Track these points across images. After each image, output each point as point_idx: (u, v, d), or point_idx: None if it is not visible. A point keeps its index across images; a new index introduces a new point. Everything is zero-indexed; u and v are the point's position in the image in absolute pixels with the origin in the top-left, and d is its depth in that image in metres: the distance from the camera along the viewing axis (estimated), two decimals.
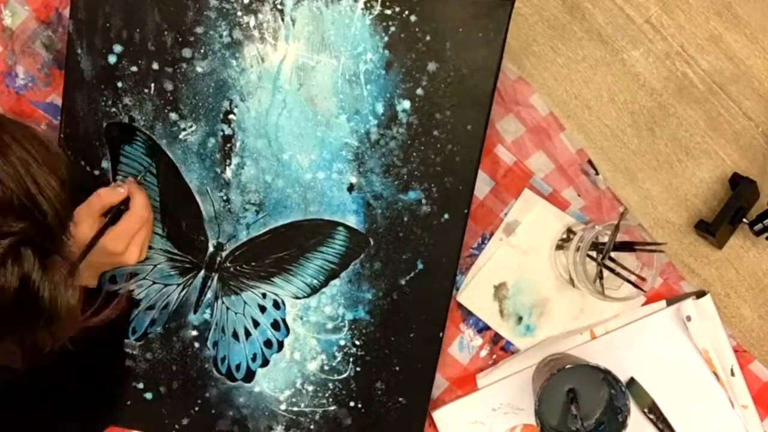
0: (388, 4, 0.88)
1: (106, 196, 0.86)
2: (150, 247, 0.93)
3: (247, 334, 0.97)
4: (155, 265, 0.96)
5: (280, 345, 0.97)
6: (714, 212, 0.97)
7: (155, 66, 0.92)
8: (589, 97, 0.98)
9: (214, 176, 0.93)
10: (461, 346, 0.99)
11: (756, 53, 0.97)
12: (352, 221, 0.93)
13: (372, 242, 0.93)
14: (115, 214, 0.86)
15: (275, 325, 0.96)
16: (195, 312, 0.97)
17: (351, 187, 0.92)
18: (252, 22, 0.90)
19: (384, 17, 0.89)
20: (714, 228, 0.95)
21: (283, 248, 0.95)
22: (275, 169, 0.93)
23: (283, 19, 0.90)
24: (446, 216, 0.92)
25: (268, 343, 0.97)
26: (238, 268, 0.95)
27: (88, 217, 0.85)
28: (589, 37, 0.97)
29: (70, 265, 0.66)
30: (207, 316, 0.97)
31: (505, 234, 0.98)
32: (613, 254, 0.93)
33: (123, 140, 0.93)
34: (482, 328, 0.99)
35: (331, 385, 0.97)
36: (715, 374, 0.98)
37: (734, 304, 1.00)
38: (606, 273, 0.93)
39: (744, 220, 0.96)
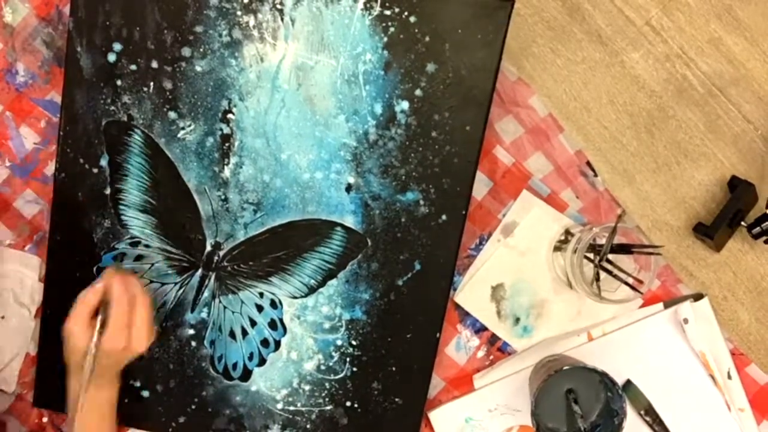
0: (387, 4, 0.88)
1: (88, 298, 0.84)
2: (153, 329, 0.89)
3: (244, 333, 0.97)
4: (153, 264, 0.96)
5: (277, 344, 0.97)
6: (712, 215, 0.97)
7: (154, 65, 0.92)
8: (589, 99, 0.98)
9: (213, 175, 0.93)
10: (458, 347, 1.00)
11: (756, 56, 0.97)
12: (350, 221, 0.93)
13: (370, 243, 0.94)
14: (103, 314, 0.85)
15: (272, 324, 0.96)
16: (192, 311, 0.97)
17: (349, 188, 0.93)
18: (251, 22, 0.90)
19: (383, 18, 0.89)
20: (712, 231, 0.95)
21: (280, 248, 0.95)
22: (273, 169, 0.93)
23: (282, 19, 0.90)
24: (444, 217, 0.92)
25: (265, 343, 0.97)
26: (235, 267, 0.96)
27: (79, 326, 0.84)
28: (588, 39, 0.97)
29: None
30: (204, 314, 0.97)
31: (503, 235, 0.98)
32: (610, 256, 0.93)
33: (122, 139, 0.93)
34: (479, 329, 0.99)
35: (327, 385, 0.97)
36: (712, 377, 0.98)
37: (731, 307, 1.00)
38: (603, 275, 0.93)
39: (742, 223, 0.96)
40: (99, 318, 0.84)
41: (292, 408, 0.98)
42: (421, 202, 0.92)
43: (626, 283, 0.92)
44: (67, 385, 0.89)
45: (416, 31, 0.89)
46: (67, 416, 0.89)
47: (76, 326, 0.84)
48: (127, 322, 0.84)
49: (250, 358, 0.97)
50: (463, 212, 0.92)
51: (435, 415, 1.00)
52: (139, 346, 0.85)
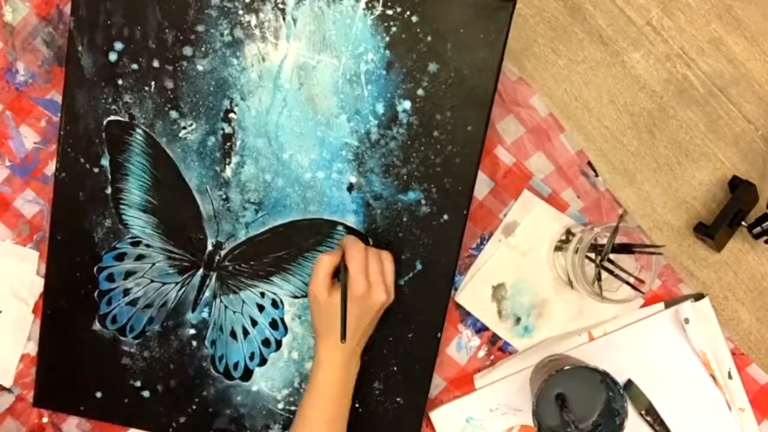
0: (389, 4, 0.88)
1: (329, 260, 0.86)
2: (335, 276, 0.88)
3: (245, 333, 0.97)
4: (153, 264, 0.96)
5: (279, 344, 0.97)
6: (713, 215, 0.97)
7: (156, 64, 0.92)
8: (590, 99, 0.98)
9: (214, 175, 0.93)
10: (459, 347, 1.00)
11: (756, 56, 0.97)
12: (352, 221, 0.93)
13: (371, 242, 0.93)
14: (344, 265, 0.86)
15: (273, 324, 0.96)
16: (193, 310, 0.96)
17: (351, 187, 0.92)
18: (253, 21, 0.90)
19: (385, 17, 0.89)
20: (713, 231, 0.95)
21: (282, 247, 0.95)
22: (275, 168, 0.93)
23: (284, 18, 0.90)
24: (445, 217, 0.92)
25: (266, 342, 0.97)
26: (236, 266, 0.95)
27: (323, 285, 0.86)
28: (589, 39, 0.97)
29: None
30: (205, 314, 0.97)
31: (504, 235, 0.98)
32: (611, 256, 0.93)
33: (123, 138, 0.93)
34: (480, 329, 0.99)
35: None
36: (713, 377, 0.98)
37: (732, 307, 1.00)
38: (604, 275, 0.93)
39: (743, 223, 0.96)
40: (342, 267, 0.86)
41: (293, 408, 0.98)
42: (423, 202, 0.92)
43: (628, 283, 0.92)
44: (315, 352, 0.89)
45: (418, 30, 0.89)
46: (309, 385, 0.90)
47: (320, 286, 0.86)
48: (364, 268, 0.85)
49: (251, 357, 0.97)
50: (465, 212, 0.92)
51: (436, 415, 1.00)
52: (378, 295, 0.86)
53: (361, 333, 0.88)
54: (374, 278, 0.86)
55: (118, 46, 0.92)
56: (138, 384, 0.98)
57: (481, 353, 1.00)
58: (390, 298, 0.88)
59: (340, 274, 0.87)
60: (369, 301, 0.85)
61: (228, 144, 0.93)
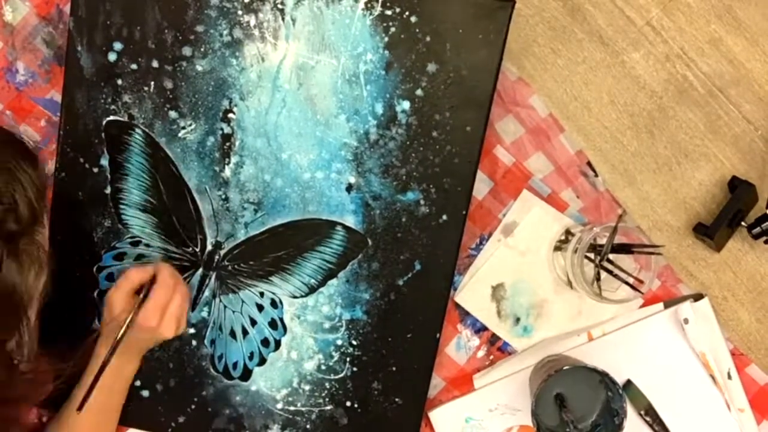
0: (388, 4, 0.88)
1: (135, 275, 0.88)
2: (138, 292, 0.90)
3: (245, 332, 0.97)
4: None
5: (278, 344, 0.97)
6: (712, 215, 0.97)
7: (155, 64, 0.92)
8: (589, 99, 0.98)
9: (213, 175, 0.93)
10: (458, 347, 1.00)
11: (756, 56, 0.97)
12: (351, 221, 0.93)
13: (370, 242, 0.94)
14: (146, 291, 0.87)
15: (273, 324, 0.96)
16: (192, 310, 0.96)
17: (350, 187, 0.93)
18: (252, 21, 0.90)
19: (384, 18, 0.89)
20: (712, 231, 0.95)
21: (281, 247, 0.95)
22: (274, 169, 0.93)
23: (283, 19, 0.90)
24: (444, 217, 0.92)
25: (265, 342, 0.97)
26: (236, 266, 0.95)
27: (121, 297, 0.87)
28: (589, 39, 0.97)
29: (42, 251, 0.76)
30: (204, 314, 0.97)
31: (503, 235, 0.98)
32: (611, 256, 0.93)
33: (122, 138, 0.93)
34: (479, 329, 0.99)
35: (327, 385, 0.97)
36: (712, 377, 0.98)
37: (732, 307, 1.00)
38: (604, 275, 0.93)
39: (742, 223, 0.96)
40: (142, 294, 0.87)
41: (292, 408, 0.98)
42: (422, 202, 0.92)
43: (627, 283, 0.92)
44: (94, 350, 0.90)
45: (417, 31, 0.89)
46: (81, 377, 0.91)
47: (119, 297, 0.87)
48: (164, 305, 0.87)
49: (251, 357, 0.97)
50: (464, 212, 0.92)
51: (435, 415, 1.00)
52: (166, 331, 0.88)
53: (137, 351, 0.92)
54: (171, 312, 0.88)
55: (118, 46, 0.92)
56: (137, 383, 0.98)
57: (481, 353, 1.00)
58: (179, 333, 0.90)
59: (143, 290, 0.88)
60: (154, 333, 0.88)
61: (227, 144, 0.93)
